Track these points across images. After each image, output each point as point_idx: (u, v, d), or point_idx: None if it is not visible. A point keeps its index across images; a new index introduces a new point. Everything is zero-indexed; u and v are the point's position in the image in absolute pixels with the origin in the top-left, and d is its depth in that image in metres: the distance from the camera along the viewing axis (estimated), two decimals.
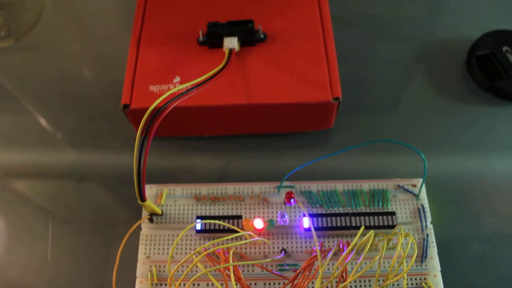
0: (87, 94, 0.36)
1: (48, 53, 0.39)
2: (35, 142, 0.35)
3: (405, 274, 0.25)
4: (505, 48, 0.35)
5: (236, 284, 0.24)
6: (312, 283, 0.27)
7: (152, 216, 0.29)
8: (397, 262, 0.26)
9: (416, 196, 0.30)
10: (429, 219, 0.29)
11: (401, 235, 0.26)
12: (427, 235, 0.29)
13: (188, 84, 0.28)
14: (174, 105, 0.26)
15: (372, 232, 0.26)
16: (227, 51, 0.31)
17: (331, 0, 0.34)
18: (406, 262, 0.27)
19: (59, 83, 0.37)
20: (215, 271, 0.27)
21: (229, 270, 0.24)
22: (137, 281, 0.28)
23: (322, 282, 0.26)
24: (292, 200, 0.27)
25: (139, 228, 0.29)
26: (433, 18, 0.39)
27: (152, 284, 0.28)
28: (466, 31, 0.37)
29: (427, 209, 0.29)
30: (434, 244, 0.28)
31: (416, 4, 0.40)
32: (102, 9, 0.41)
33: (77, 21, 0.41)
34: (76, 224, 0.31)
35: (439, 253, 0.28)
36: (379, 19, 0.39)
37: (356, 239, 0.25)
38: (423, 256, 0.28)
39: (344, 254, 0.25)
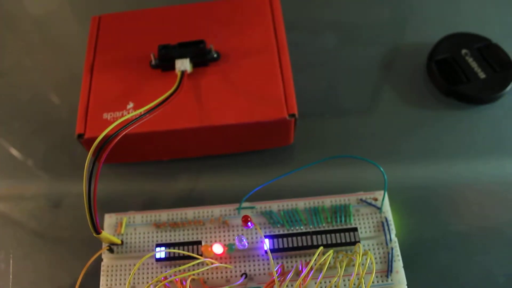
0: (54, 119, 0.36)
1: (13, 79, 0.38)
2: (4, 169, 0.34)
3: None
4: (464, 51, 0.35)
5: None
6: None
7: (111, 246, 0.29)
8: (358, 280, 0.26)
9: (379, 209, 0.29)
10: (393, 232, 0.29)
11: (359, 254, 0.25)
12: (392, 249, 0.28)
13: (141, 110, 0.27)
14: (124, 133, 0.25)
15: (331, 252, 0.26)
16: (179, 74, 0.30)
17: (291, 8, 0.34)
18: (366, 280, 0.26)
19: (26, 108, 0.37)
20: None
21: None
22: None
23: None
24: (249, 223, 0.27)
25: (101, 259, 0.29)
26: (394, 24, 0.39)
27: None
28: (427, 35, 0.37)
29: (391, 222, 0.29)
30: (399, 258, 0.28)
31: (377, 10, 0.40)
32: (62, 36, 0.41)
33: (37, 47, 0.40)
34: (40, 254, 0.31)
35: (405, 266, 0.28)
36: (341, 27, 0.39)
37: (313, 261, 0.25)
38: (388, 271, 0.28)
39: (302, 275, 0.25)
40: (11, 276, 0.30)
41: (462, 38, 0.35)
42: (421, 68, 0.36)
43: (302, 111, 0.30)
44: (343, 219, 0.29)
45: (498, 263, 0.29)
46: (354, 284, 0.25)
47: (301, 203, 0.30)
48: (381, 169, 0.27)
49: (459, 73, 0.34)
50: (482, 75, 0.34)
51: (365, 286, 0.25)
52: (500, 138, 0.33)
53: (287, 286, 0.27)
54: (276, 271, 0.27)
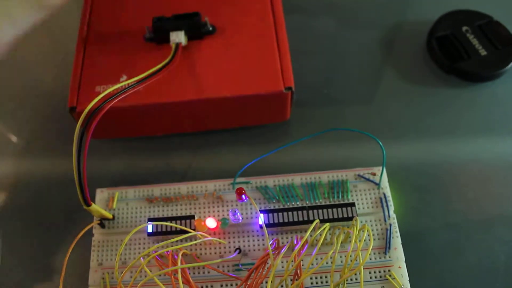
0: (40, 95, 0.35)
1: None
2: None
3: (361, 267, 0.24)
4: (464, 28, 0.34)
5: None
6: (265, 282, 0.25)
7: (102, 221, 0.28)
8: (353, 257, 0.25)
9: (377, 185, 0.29)
10: (391, 208, 0.28)
11: (356, 227, 0.24)
12: (390, 225, 0.28)
13: (131, 81, 0.27)
14: (113, 103, 0.25)
15: (327, 225, 0.25)
16: (173, 46, 0.30)
17: None
18: (363, 254, 0.26)
19: (12, 84, 0.36)
20: (165, 275, 0.26)
21: (177, 273, 0.23)
22: None
23: (278, 281, 0.25)
24: (243, 196, 0.26)
25: (91, 234, 0.28)
26: (393, 3, 0.38)
27: None
28: (426, 13, 0.36)
29: (390, 198, 0.28)
30: (398, 234, 0.27)
31: None
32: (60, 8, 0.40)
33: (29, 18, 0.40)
34: (29, 232, 0.30)
35: (403, 243, 0.27)
36: (338, 8, 0.38)
37: (308, 233, 0.24)
38: (386, 247, 0.27)
39: (296, 249, 0.24)
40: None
41: (463, 15, 0.35)
42: (422, 45, 0.35)
43: (300, 88, 0.30)
44: (340, 194, 0.28)
45: (499, 242, 0.28)
46: (350, 258, 0.25)
47: (298, 179, 0.29)
48: (380, 143, 0.27)
49: (459, 50, 0.33)
50: (483, 52, 0.33)
51: (362, 260, 0.24)
52: (500, 116, 0.32)
53: (281, 260, 0.26)
54: (270, 245, 0.26)
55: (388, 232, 0.27)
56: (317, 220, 0.25)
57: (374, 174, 0.29)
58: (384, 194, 0.28)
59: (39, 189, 0.32)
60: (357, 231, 0.24)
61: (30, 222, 0.30)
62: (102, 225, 0.28)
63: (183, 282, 0.23)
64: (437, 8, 0.36)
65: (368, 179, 0.29)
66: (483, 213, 0.29)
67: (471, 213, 0.29)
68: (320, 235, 0.25)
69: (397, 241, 0.27)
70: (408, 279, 0.26)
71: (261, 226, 0.27)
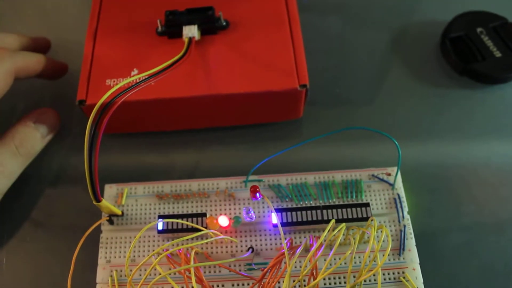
0: (46, 89, 0.35)
1: None
2: None
3: (379, 268, 0.23)
4: (479, 30, 0.34)
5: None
6: (279, 282, 0.25)
7: (111, 217, 0.27)
8: (371, 255, 0.25)
9: (392, 185, 0.28)
10: (405, 209, 0.28)
11: (374, 227, 0.24)
12: (404, 226, 0.27)
13: (143, 75, 0.26)
14: (126, 97, 0.24)
15: (343, 225, 0.25)
16: (186, 40, 0.29)
17: None
18: (382, 255, 0.25)
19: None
20: (176, 274, 0.25)
21: (190, 272, 0.22)
22: (97, 287, 0.26)
23: (293, 281, 0.24)
24: (257, 194, 0.25)
25: (100, 231, 0.27)
26: (405, 3, 0.38)
27: None
28: (439, 14, 0.36)
29: (404, 199, 0.28)
30: (412, 236, 0.27)
31: None
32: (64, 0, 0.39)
33: (37, 12, 0.39)
34: (35, 229, 0.29)
35: (417, 245, 0.27)
36: (351, 7, 0.38)
37: (325, 233, 0.23)
38: (400, 249, 0.27)
39: (313, 250, 0.23)
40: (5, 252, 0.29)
41: (477, 16, 0.34)
42: (435, 46, 0.35)
43: (312, 87, 0.29)
44: (354, 194, 0.28)
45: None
46: (368, 259, 0.24)
47: (311, 177, 0.29)
48: (396, 142, 0.26)
49: (474, 51, 0.33)
50: (497, 54, 0.33)
51: (380, 261, 0.24)
52: None
53: (296, 261, 0.26)
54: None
55: (402, 233, 0.27)
56: (333, 220, 0.25)
57: (389, 174, 0.28)
58: (398, 195, 0.28)
59: (48, 185, 0.31)
60: (375, 232, 0.24)
61: (38, 218, 0.30)
62: (111, 221, 0.27)
63: (196, 282, 0.23)
64: (450, 9, 0.35)
65: (382, 179, 0.28)
66: (496, 215, 0.29)
67: (484, 215, 0.29)
68: (336, 235, 0.24)
69: (411, 243, 0.27)
70: (422, 281, 0.26)
71: (274, 225, 0.26)
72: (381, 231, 0.25)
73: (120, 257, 0.27)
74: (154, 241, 0.27)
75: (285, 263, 0.25)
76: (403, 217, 0.27)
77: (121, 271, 0.26)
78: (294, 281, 0.24)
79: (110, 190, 0.29)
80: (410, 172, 0.29)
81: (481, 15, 0.34)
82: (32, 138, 0.29)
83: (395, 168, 0.28)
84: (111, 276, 0.26)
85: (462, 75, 0.33)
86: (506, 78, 0.32)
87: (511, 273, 0.27)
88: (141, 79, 0.26)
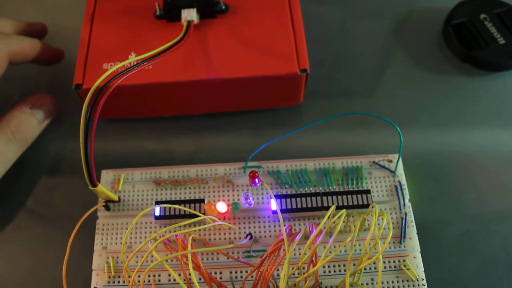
0: (44, 74, 0.34)
1: None
2: None
3: (380, 256, 0.23)
4: (482, 16, 0.33)
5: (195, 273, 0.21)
6: (278, 270, 0.25)
7: (108, 203, 0.27)
8: (372, 243, 0.24)
9: (393, 172, 0.28)
10: (407, 196, 0.27)
11: (375, 214, 0.23)
12: (405, 214, 0.27)
13: (140, 57, 0.26)
14: (121, 80, 0.24)
15: (344, 211, 0.24)
16: (185, 23, 0.29)
17: None
18: (383, 243, 0.25)
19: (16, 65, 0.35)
20: (173, 260, 0.25)
21: (187, 258, 0.22)
22: (93, 274, 0.26)
23: (292, 268, 0.24)
24: (256, 180, 0.25)
25: (96, 217, 0.27)
26: None
27: (109, 277, 0.25)
28: (441, 1, 0.35)
29: (405, 186, 0.28)
30: (413, 224, 0.27)
31: None
32: None
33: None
34: (29, 216, 0.29)
35: (418, 233, 0.26)
36: None
37: (324, 219, 0.23)
38: (401, 237, 0.26)
39: (312, 236, 0.23)
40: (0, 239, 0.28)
41: (480, 2, 0.34)
42: (437, 33, 0.34)
43: (313, 76, 0.29)
44: (354, 181, 0.28)
45: None
46: (368, 246, 0.24)
47: (311, 164, 0.28)
48: (397, 128, 0.26)
49: (477, 38, 0.32)
50: (501, 40, 0.32)
51: (381, 248, 0.23)
52: None
53: (295, 248, 0.26)
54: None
55: (403, 221, 0.27)
56: (334, 206, 0.24)
57: (390, 161, 0.28)
58: (400, 182, 0.28)
59: (43, 171, 0.31)
60: (376, 218, 0.23)
61: (34, 205, 0.29)
62: (107, 207, 0.27)
63: (193, 268, 0.22)
64: None
65: (383, 166, 0.28)
66: (498, 204, 0.29)
67: (485, 204, 0.29)
68: (336, 222, 0.24)
69: (412, 231, 0.26)
70: (423, 269, 0.25)
71: (273, 212, 0.26)
72: (382, 218, 0.25)
73: (116, 243, 0.26)
74: (151, 227, 0.27)
75: (284, 249, 0.24)
76: (404, 204, 0.27)
77: (117, 257, 0.26)
78: (293, 268, 0.23)
79: (107, 175, 0.28)
80: (412, 160, 0.29)
81: (485, 1, 0.34)
82: (28, 124, 0.29)
83: (397, 155, 0.28)
84: (107, 262, 0.26)
85: (465, 62, 0.33)
86: (509, 65, 0.32)
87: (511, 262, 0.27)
88: (137, 62, 0.25)
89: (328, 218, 0.24)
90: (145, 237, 0.26)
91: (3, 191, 0.29)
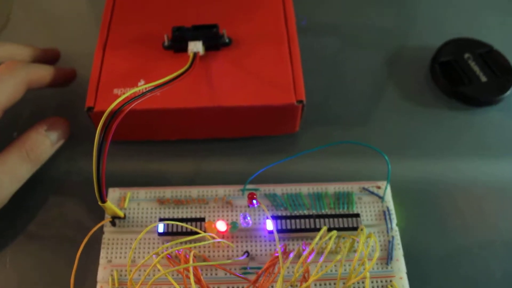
0: (54, 97, 0.36)
1: None
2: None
3: (367, 273, 0.24)
4: (466, 55, 0.36)
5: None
6: (272, 286, 0.26)
7: (114, 219, 0.29)
8: (360, 263, 0.26)
9: (381, 198, 0.30)
10: (394, 221, 0.29)
11: (363, 235, 0.25)
12: (393, 237, 0.29)
13: (150, 85, 0.28)
14: (133, 106, 0.25)
15: (334, 232, 0.26)
16: (191, 55, 0.31)
17: (299, 10, 0.35)
18: (369, 262, 0.27)
19: None
20: (175, 274, 0.26)
21: (188, 271, 0.24)
22: (98, 286, 0.27)
23: (285, 284, 0.25)
24: (254, 201, 0.27)
25: (102, 232, 0.29)
26: (398, 28, 0.40)
27: None
28: (430, 39, 0.38)
29: (393, 211, 0.29)
30: (400, 246, 0.28)
31: (381, 14, 0.41)
32: (72, 11, 0.41)
33: (46, 24, 0.41)
34: (38, 230, 0.30)
35: (405, 255, 0.28)
36: (346, 30, 0.40)
37: (317, 239, 0.25)
38: (388, 258, 0.28)
39: (305, 254, 0.25)
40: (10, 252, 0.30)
41: (465, 43, 0.36)
42: (425, 69, 0.37)
43: (308, 105, 0.31)
44: (345, 206, 0.29)
45: (495, 258, 0.29)
46: (357, 264, 0.25)
47: (305, 188, 0.30)
48: (386, 157, 0.28)
49: (461, 75, 0.35)
50: (483, 78, 0.35)
51: (368, 265, 0.25)
52: (499, 140, 0.34)
53: (288, 266, 0.27)
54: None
55: (391, 243, 0.28)
56: (325, 227, 0.26)
57: (379, 187, 0.30)
58: (388, 208, 0.30)
59: (53, 188, 0.32)
60: (364, 239, 0.25)
61: (41, 222, 0.31)
62: (113, 223, 0.29)
63: (194, 282, 0.24)
64: (440, 35, 0.38)
65: (372, 192, 0.30)
66: (480, 230, 0.30)
67: (468, 229, 0.30)
68: (327, 242, 0.26)
69: (399, 253, 0.28)
70: None
71: (269, 232, 0.28)
72: (370, 239, 0.27)
73: (120, 257, 0.28)
74: (154, 243, 0.28)
75: (278, 266, 0.26)
76: (391, 228, 0.29)
77: (121, 270, 0.27)
78: (286, 284, 0.25)
79: (114, 193, 0.30)
80: (399, 187, 0.31)
81: (469, 42, 0.37)
82: (43, 144, 0.30)
83: (385, 182, 0.30)
84: (112, 275, 0.27)
85: (450, 97, 0.35)
86: (491, 101, 0.34)
87: (493, 286, 0.29)
88: (147, 89, 0.27)
89: (320, 238, 0.26)
90: (148, 252, 0.28)
91: (14, 206, 0.31)
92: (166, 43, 0.32)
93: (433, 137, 0.34)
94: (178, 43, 0.32)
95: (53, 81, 0.32)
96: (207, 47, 0.32)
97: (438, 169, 0.33)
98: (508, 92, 0.34)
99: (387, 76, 0.37)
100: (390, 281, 0.27)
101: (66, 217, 0.31)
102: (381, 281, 0.27)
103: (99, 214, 0.29)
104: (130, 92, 0.26)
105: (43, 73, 0.31)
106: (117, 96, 0.30)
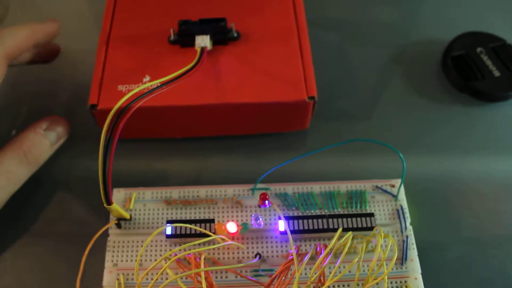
0: (54, 95, 0.35)
1: None
2: None
3: (385, 276, 0.24)
4: (479, 49, 0.35)
5: None
6: None
7: (120, 221, 0.28)
8: (377, 264, 0.25)
9: (395, 197, 0.29)
10: (408, 220, 0.28)
11: (380, 236, 0.25)
12: (407, 237, 0.28)
13: (157, 82, 0.27)
14: (140, 103, 0.25)
15: (350, 233, 0.25)
16: (198, 50, 0.30)
17: (307, 5, 0.34)
18: (386, 264, 0.26)
19: (26, 84, 0.35)
20: (185, 278, 0.25)
21: (200, 276, 0.23)
22: None
23: (299, 287, 0.25)
24: (266, 202, 0.26)
25: (107, 234, 0.28)
26: (408, 22, 0.39)
27: None
28: (440, 34, 0.37)
29: (406, 210, 0.29)
30: (414, 246, 0.28)
31: (391, 8, 0.40)
32: (71, 8, 0.40)
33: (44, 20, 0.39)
34: (42, 231, 0.30)
35: (419, 255, 0.27)
36: (355, 24, 0.39)
37: (333, 241, 0.24)
38: (403, 258, 0.27)
39: (321, 257, 0.24)
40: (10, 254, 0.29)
41: (477, 37, 0.36)
42: (436, 64, 0.36)
43: (318, 100, 0.30)
44: (358, 205, 0.29)
45: (511, 258, 0.29)
46: (373, 270, 0.25)
47: (317, 187, 0.29)
48: (400, 154, 0.27)
49: (474, 70, 0.34)
50: (496, 73, 0.34)
51: (386, 269, 0.24)
52: (510, 135, 0.33)
53: (304, 268, 0.26)
54: (291, 253, 0.26)
55: (405, 243, 0.28)
56: (341, 229, 0.25)
57: (393, 186, 0.29)
58: (401, 206, 0.29)
59: (54, 188, 0.31)
60: (381, 240, 0.24)
61: (44, 223, 0.30)
62: (118, 225, 0.28)
63: (206, 286, 0.23)
64: (450, 29, 0.37)
65: (385, 191, 0.29)
66: (494, 229, 0.30)
67: (482, 229, 0.30)
68: (344, 243, 0.25)
69: (413, 253, 0.27)
70: None
71: (282, 233, 0.27)
72: (387, 240, 0.26)
73: (127, 261, 0.27)
74: (161, 245, 0.27)
75: (292, 270, 0.25)
76: (405, 227, 0.28)
77: (127, 274, 0.27)
78: (301, 287, 0.24)
79: (118, 194, 0.29)
80: (413, 185, 0.30)
81: (481, 36, 0.36)
82: (41, 145, 0.29)
83: (399, 180, 0.29)
84: (118, 279, 0.26)
85: (462, 92, 0.34)
86: (504, 96, 0.34)
87: (508, 286, 0.28)
88: (154, 86, 0.26)
89: (336, 239, 0.25)
90: (156, 255, 0.27)
91: (14, 206, 0.30)
92: (172, 38, 0.31)
93: (445, 133, 0.33)
94: (184, 38, 0.31)
95: (35, 44, 0.30)
96: (215, 42, 0.31)
97: (450, 166, 0.32)
98: None
99: (397, 71, 0.36)
100: (405, 281, 0.26)
101: (70, 218, 0.30)
102: (396, 282, 0.26)
103: (104, 214, 0.28)
104: (137, 89, 0.25)
105: (21, 35, 0.29)
106: (121, 93, 0.29)
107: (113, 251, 0.27)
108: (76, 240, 0.28)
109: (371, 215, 0.27)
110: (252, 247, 0.27)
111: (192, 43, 0.30)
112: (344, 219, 0.27)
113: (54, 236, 0.29)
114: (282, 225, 0.27)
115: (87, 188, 0.31)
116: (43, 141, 0.29)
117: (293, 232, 0.27)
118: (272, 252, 0.27)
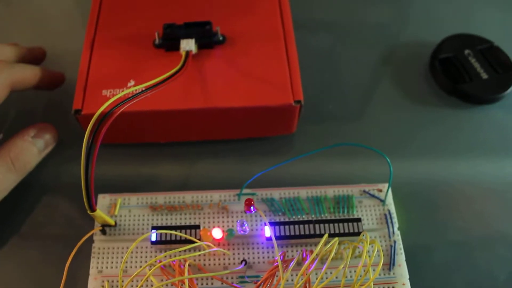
0: (43, 98, 0.34)
1: None
2: None
3: (371, 282, 0.23)
4: (467, 52, 0.35)
5: None
6: None
7: (104, 227, 0.27)
8: (363, 270, 0.25)
9: (382, 201, 0.29)
10: (396, 225, 0.28)
11: (367, 242, 0.24)
12: (395, 242, 0.28)
13: (141, 86, 0.26)
14: (123, 108, 0.24)
15: (336, 239, 0.25)
16: (183, 53, 0.29)
17: (295, 6, 0.33)
18: (373, 270, 0.26)
19: None
20: (170, 285, 0.25)
21: (184, 283, 0.22)
22: None
23: None
24: (252, 207, 0.26)
25: (92, 241, 0.27)
26: (397, 24, 0.39)
27: None
28: (429, 36, 0.37)
29: (394, 215, 0.28)
30: (402, 251, 0.27)
31: (380, 10, 0.40)
32: (57, 8, 0.40)
33: (30, 22, 0.39)
34: (29, 235, 0.29)
35: (406, 260, 0.27)
36: (343, 26, 0.39)
37: (319, 247, 0.24)
38: (390, 264, 0.27)
39: (306, 263, 0.24)
40: None
41: (465, 39, 0.35)
42: (424, 66, 0.36)
43: (304, 103, 0.30)
44: (345, 210, 0.29)
45: (498, 261, 0.29)
46: (359, 276, 0.24)
47: (303, 192, 0.29)
48: (387, 159, 0.27)
49: (462, 72, 0.34)
50: (484, 75, 0.34)
51: (372, 275, 0.24)
52: (500, 138, 0.33)
53: (288, 275, 0.26)
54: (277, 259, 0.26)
55: (393, 248, 0.27)
56: (327, 235, 0.25)
57: (380, 191, 0.29)
58: (389, 211, 0.29)
59: (39, 194, 0.31)
60: (368, 246, 0.24)
61: (28, 230, 0.30)
62: (103, 231, 0.27)
63: None
64: (438, 31, 0.37)
65: (373, 195, 0.29)
66: (482, 232, 0.30)
67: (470, 232, 0.30)
68: (330, 249, 0.25)
69: (401, 258, 0.27)
70: None
71: (267, 239, 0.27)
72: (373, 246, 0.26)
73: (112, 267, 0.27)
74: (146, 252, 0.27)
75: (278, 276, 0.25)
76: (393, 232, 0.28)
77: (112, 281, 0.26)
78: None
79: (103, 200, 0.29)
80: (400, 188, 0.30)
81: (469, 38, 0.36)
82: (29, 152, 0.29)
83: (386, 185, 0.29)
84: (102, 286, 0.26)
85: (450, 95, 0.34)
86: (492, 99, 0.34)
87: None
88: (139, 91, 0.26)
89: (322, 245, 0.25)
90: (141, 262, 0.27)
91: (3, 211, 0.29)
92: (157, 41, 0.31)
93: (433, 136, 0.33)
94: (169, 41, 0.30)
95: (38, 83, 0.30)
96: (200, 45, 0.31)
97: (437, 169, 0.32)
98: (509, 90, 0.33)
99: (385, 73, 0.36)
100: (393, 287, 0.26)
101: (55, 223, 0.30)
102: (383, 287, 0.26)
103: (91, 219, 0.28)
104: (120, 94, 0.25)
105: (28, 74, 0.30)
106: (106, 98, 0.29)
107: (98, 258, 0.27)
108: (64, 245, 0.28)
109: (358, 220, 0.27)
110: (238, 254, 0.27)
111: (177, 47, 0.30)
112: (331, 224, 0.27)
113: (41, 241, 0.29)
114: (268, 231, 0.27)
115: (74, 193, 0.30)
116: (31, 149, 0.29)
117: (279, 238, 0.26)
118: (258, 258, 0.27)
